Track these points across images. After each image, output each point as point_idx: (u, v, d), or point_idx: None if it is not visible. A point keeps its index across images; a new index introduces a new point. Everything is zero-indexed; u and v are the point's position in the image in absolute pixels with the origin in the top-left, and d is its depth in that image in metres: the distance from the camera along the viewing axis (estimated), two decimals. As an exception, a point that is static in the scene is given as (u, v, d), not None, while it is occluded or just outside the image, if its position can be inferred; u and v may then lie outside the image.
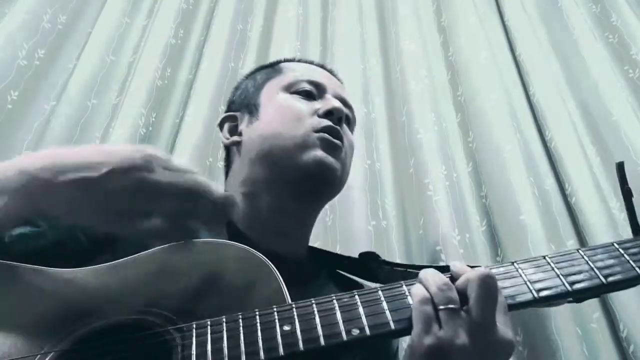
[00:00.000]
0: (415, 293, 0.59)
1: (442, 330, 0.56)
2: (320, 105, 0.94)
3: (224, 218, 0.88)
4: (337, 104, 0.94)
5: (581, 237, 1.32)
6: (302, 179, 0.88)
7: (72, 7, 1.61)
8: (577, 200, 1.35)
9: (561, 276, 0.62)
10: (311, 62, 1.09)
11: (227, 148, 1.03)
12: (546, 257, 0.65)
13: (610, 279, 0.62)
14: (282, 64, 1.07)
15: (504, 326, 0.58)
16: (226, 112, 1.08)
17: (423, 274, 0.61)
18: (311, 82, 0.98)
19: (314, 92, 0.97)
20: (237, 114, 1.02)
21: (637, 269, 0.63)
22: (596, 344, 1.16)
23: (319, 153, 0.88)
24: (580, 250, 0.66)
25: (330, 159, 0.88)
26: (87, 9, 1.66)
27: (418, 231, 1.39)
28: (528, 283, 0.62)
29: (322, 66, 1.09)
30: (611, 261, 0.64)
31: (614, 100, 1.53)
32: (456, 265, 0.63)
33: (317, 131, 0.89)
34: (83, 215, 0.62)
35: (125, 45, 1.65)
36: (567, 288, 0.61)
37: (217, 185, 0.68)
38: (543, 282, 0.62)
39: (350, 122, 1.02)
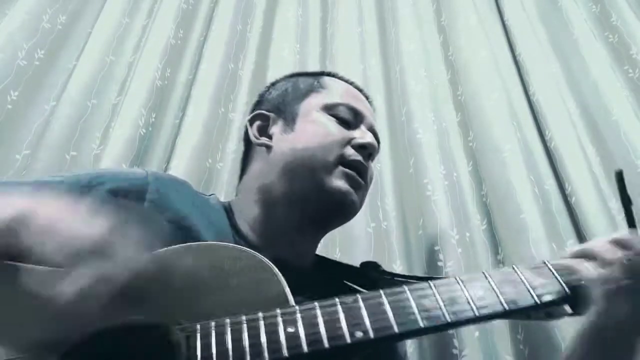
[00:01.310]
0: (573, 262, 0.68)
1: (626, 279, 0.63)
2: (356, 135, 0.95)
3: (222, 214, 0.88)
4: (372, 140, 0.95)
5: (581, 237, 1.33)
6: (323, 204, 0.90)
7: (72, 7, 1.61)
8: (577, 200, 1.36)
9: (561, 281, 0.65)
10: (352, 83, 1.09)
11: (249, 145, 1.03)
12: (546, 262, 0.68)
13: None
14: (326, 79, 1.06)
15: None
16: (256, 107, 1.08)
17: (587, 246, 0.71)
18: (351, 109, 0.98)
19: (351, 121, 0.97)
20: (271, 115, 1.01)
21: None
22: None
23: (344, 186, 0.89)
24: None
25: (354, 196, 0.90)
26: (87, 9, 1.66)
27: (417, 231, 1.39)
28: (530, 289, 0.63)
29: (361, 90, 1.09)
30: None
31: (613, 100, 1.54)
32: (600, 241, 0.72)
33: (347, 163, 0.91)
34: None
35: (125, 45, 1.64)
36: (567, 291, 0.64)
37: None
38: (544, 287, 0.64)
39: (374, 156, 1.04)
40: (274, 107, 1.02)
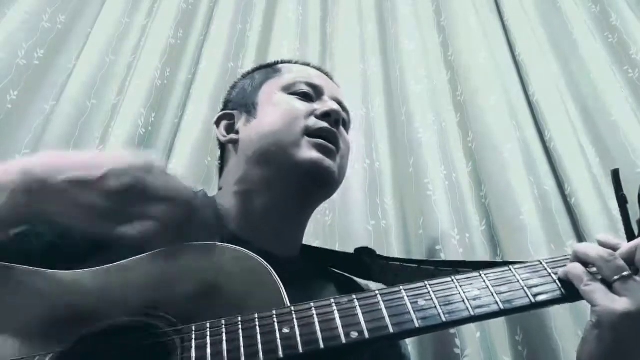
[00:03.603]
0: (576, 272, 0.62)
1: (626, 297, 0.59)
2: (318, 106, 0.95)
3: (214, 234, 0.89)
4: (335, 106, 0.95)
5: (581, 238, 1.32)
6: (299, 177, 0.89)
7: (71, 7, 1.61)
8: (576, 201, 1.35)
9: (557, 281, 0.64)
10: (308, 65, 1.11)
11: (223, 146, 1.04)
12: (542, 261, 0.67)
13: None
14: (280, 65, 1.08)
15: None
16: (223, 110, 1.09)
17: (581, 248, 0.65)
18: (309, 84, 0.99)
19: (311, 94, 0.98)
20: (235, 112, 1.02)
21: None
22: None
23: (314, 154, 0.89)
24: None
25: (327, 161, 0.90)
26: (86, 9, 1.66)
27: (417, 231, 1.39)
28: (525, 288, 0.63)
29: (319, 69, 1.10)
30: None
31: (613, 100, 1.53)
32: (604, 237, 0.67)
33: (313, 132, 0.91)
34: (79, 215, 0.62)
35: (125, 45, 1.64)
36: (563, 292, 0.63)
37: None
38: (540, 287, 0.63)
39: (346, 124, 1.03)
40: (236, 104, 1.04)
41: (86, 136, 1.42)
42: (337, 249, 1.31)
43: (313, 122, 0.92)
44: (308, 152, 0.88)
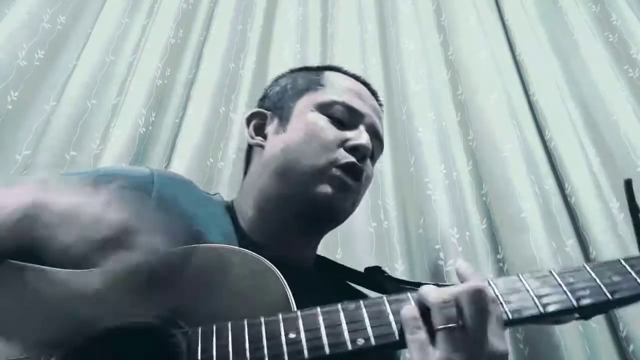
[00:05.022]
0: (405, 317, 0.58)
1: (439, 351, 0.56)
2: (351, 135, 0.90)
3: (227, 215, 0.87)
4: (366, 141, 0.90)
5: (581, 237, 1.33)
6: (307, 210, 0.87)
7: (72, 7, 1.61)
8: (576, 200, 1.36)
9: (568, 292, 0.62)
10: (357, 78, 1.03)
11: (249, 145, 1.01)
12: (552, 272, 0.65)
13: (617, 295, 0.62)
14: (326, 74, 1.00)
15: (497, 338, 0.58)
16: (260, 102, 1.05)
17: (424, 290, 0.60)
18: (348, 108, 0.93)
19: (347, 121, 0.92)
20: (268, 113, 0.99)
21: None
22: (596, 343, 1.17)
23: (329, 191, 0.85)
24: (586, 266, 0.66)
25: (339, 202, 0.87)
26: (87, 9, 1.66)
27: (418, 230, 1.39)
28: (535, 298, 0.62)
29: (365, 83, 1.03)
30: (617, 278, 0.64)
31: (613, 100, 1.54)
32: (461, 267, 0.63)
33: (338, 165, 0.87)
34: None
35: (125, 45, 1.64)
36: (573, 303, 0.61)
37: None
38: (550, 297, 0.62)
39: (374, 154, 0.99)
40: (273, 104, 1.00)
41: (86, 136, 1.41)
42: (339, 254, 1.31)
43: (341, 155, 0.87)
44: (324, 187, 0.85)
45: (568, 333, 1.16)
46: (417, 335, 0.57)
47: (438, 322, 0.57)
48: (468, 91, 1.67)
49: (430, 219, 1.38)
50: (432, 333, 0.57)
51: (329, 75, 1.00)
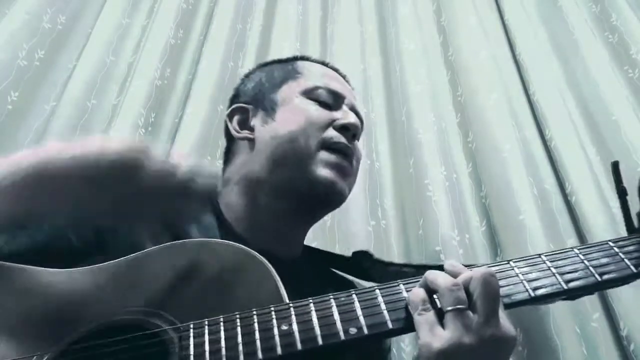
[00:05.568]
0: (413, 299, 0.59)
1: (449, 331, 0.56)
2: (338, 116, 0.94)
3: (208, 208, 0.88)
4: (354, 119, 0.95)
5: (581, 237, 1.32)
6: (309, 195, 0.89)
7: (72, 7, 1.61)
8: (577, 200, 1.35)
9: (557, 274, 0.62)
10: (326, 64, 1.09)
11: (231, 139, 1.02)
12: (542, 256, 0.66)
13: (605, 277, 0.63)
14: (299, 64, 1.05)
15: (507, 322, 0.58)
16: (233, 100, 1.06)
17: (432, 275, 0.61)
18: (330, 91, 0.98)
19: (331, 102, 0.97)
20: (249, 107, 1.00)
21: (631, 267, 0.63)
22: (596, 343, 1.16)
23: (330, 175, 0.88)
24: (575, 249, 0.67)
25: (340, 184, 0.90)
26: (87, 9, 1.66)
27: (417, 231, 1.39)
28: (524, 282, 0.62)
29: (336, 70, 1.09)
30: (606, 259, 0.65)
31: (614, 100, 1.53)
32: (452, 264, 0.64)
33: (329, 146, 0.90)
34: (72, 212, 0.62)
35: (125, 45, 1.65)
36: (562, 286, 0.61)
37: (204, 169, 0.68)
38: (539, 281, 0.62)
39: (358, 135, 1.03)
40: (252, 98, 1.02)
41: (86, 136, 1.41)
42: (336, 251, 1.31)
43: (331, 134, 0.91)
44: (323, 171, 0.88)
45: (566, 334, 1.16)
46: (426, 316, 0.58)
47: (448, 304, 0.57)
48: (468, 92, 1.67)
49: (430, 221, 1.37)
50: (440, 316, 0.58)
51: (302, 64, 1.05)
